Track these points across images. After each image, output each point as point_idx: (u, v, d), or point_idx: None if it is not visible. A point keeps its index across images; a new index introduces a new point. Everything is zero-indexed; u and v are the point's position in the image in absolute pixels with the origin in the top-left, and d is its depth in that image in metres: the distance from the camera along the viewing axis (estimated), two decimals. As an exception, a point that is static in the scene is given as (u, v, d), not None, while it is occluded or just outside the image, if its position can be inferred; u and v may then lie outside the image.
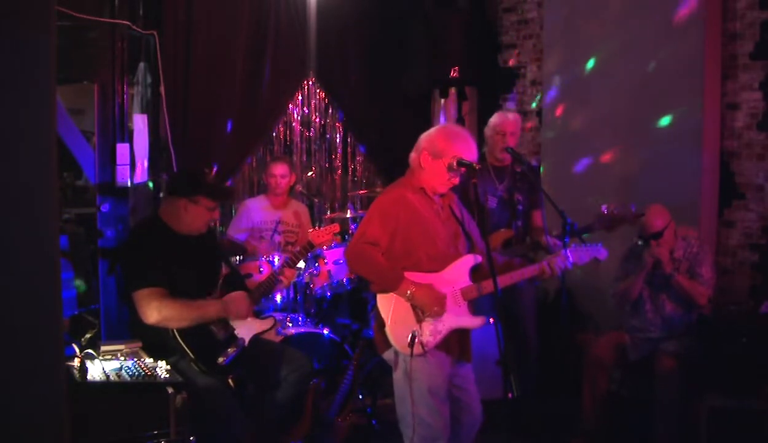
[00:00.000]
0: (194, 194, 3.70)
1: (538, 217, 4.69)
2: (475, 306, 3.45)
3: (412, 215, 3.33)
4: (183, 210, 3.71)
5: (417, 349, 3.23)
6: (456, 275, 3.38)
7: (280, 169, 5.24)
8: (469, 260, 3.41)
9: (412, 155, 3.44)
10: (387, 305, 3.34)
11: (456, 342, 3.39)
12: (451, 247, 3.43)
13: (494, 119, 4.67)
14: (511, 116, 4.69)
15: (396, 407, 3.42)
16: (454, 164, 3.31)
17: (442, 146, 3.33)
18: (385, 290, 3.33)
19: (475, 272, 3.42)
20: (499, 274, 3.29)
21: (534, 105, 6.32)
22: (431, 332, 3.29)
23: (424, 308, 3.29)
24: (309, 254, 4.45)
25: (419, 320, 3.30)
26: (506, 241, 4.59)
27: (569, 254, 3.52)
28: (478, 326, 3.41)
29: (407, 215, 3.32)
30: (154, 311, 3.48)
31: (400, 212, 3.32)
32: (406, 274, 3.30)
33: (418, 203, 3.37)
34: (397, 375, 3.37)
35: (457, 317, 3.35)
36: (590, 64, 5.67)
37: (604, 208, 4.33)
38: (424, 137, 3.43)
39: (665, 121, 5.21)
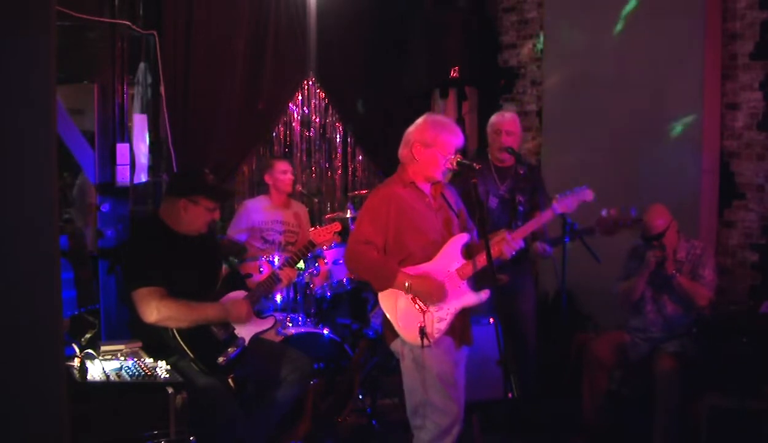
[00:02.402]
0: (194, 194, 3.70)
1: (539, 220, 4.68)
2: (474, 284, 3.46)
3: (401, 210, 3.38)
4: (183, 210, 3.72)
5: (428, 341, 3.26)
6: (448, 257, 3.41)
7: (284, 165, 5.28)
8: (459, 240, 3.44)
9: (402, 150, 3.49)
10: (391, 303, 3.37)
11: (458, 325, 3.41)
12: (445, 236, 3.46)
13: (492, 118, 4.69)
14: (508, 115, 4.69)
15: (406, 398, 3.43)
16: (454, 164, 3.35)
17: (432, 135, 3.40)
18: (384, 287, 3.36)
19: (469, 251, 3.45)
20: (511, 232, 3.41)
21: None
22: (437, 319, 3.32)
23: (424, 298, 3.32)
24: (309, 254, 4.45)
25: (423, 312, 3.31)
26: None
27: (556, 207, 3.57)
28: (481, 301, 3.41)
29: (396, 210, 3.37)
30: (154, 310, 3.49)
31: (390, 208, 3.37)
32: (404, 269, 3.34)
33: (408, 197, 3.42)
34: (406, 365, 3.38)
35: (459, 298, 3.38)
36: (590, 64, 5.67)
37: (603, 212, 4.33)
38: (412, 129, 3.49)
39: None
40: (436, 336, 3.31)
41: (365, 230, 3.38)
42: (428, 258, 3.39)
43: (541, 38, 6.14)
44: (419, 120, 3.52)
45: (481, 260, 3.34)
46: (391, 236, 3.37)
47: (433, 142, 3.38)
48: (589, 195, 3.61)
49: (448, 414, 3.32)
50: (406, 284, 3.30)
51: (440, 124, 3.46)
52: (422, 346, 3.26)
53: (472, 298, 3.41)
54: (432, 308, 3.32)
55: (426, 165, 3.41)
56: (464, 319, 3.46)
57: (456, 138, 3.42)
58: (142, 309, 3.51)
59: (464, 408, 3.47)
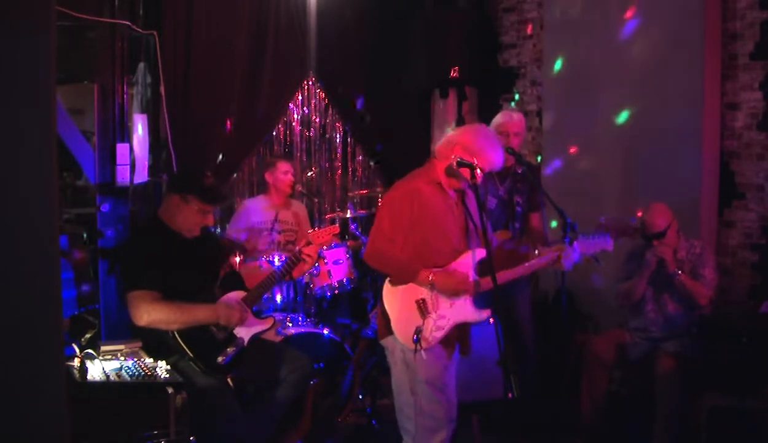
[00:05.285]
0: (186, 192, 3.67)
1: (537, 219, 4.67)
2: (478, 302, 3.45)
3: (423, 208, 3.33)
4: (176, 208, 3.70)
5: (422, 345, 3.25)
6: (464, 268, 3.38)
7: (286, 166, 5.30)
8: (477, 254, 3.40)
9: (441, 147, 3.42)
10: (393, 299, 3.35)
11: (455, 337, 3.39)
12: (462, 242, 3.43)
13: (498, 119, 4.65)
14: (516, 117, 4.67)
15: (394, 397, 3.43)
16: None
17: (479, 145, 3.35)
18: (405, 282, 3.33)
19: (481, 267, 3.42)
20: (510, 266, 3.35)
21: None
22: (436, 327, 3.30)
23: (449, 292, 3.30)
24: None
25: (423, 317, 3.30)
26: (504, 242, 4.59)
27: (577, 247, 3.53)
28: (482, 319, 3.41)
29: (419, 207, 3.32)
30: (144, 313, 3.50)
31: (413, 204, 3.32)
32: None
33: (432, 196, 3.36)
34: (396, 365, 3.38)
35: (461, 312, 3.36)
36: (590, 64, 5.67)
37: (602, 219, 4.33)
38: (458, 132, 3.46)
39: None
40: (431, 343, 3.29)
41: (385, 227, 3.33)
42: (443, 263, 3.36)
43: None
44: (469, 125, 3.52)
45: (486, 283, 3.32)
46: (411, 233, 3.32)
47: (477, 152, 3.33)
48: (610, 245, 3.60)
49: (434, 417, 3.31)
50: (430, 278, 3.27)
51: (490, 138, 3.42)
52: (415, 350, 3.25)
53: (473, 314, 3.39)
54: (433, 316, 3.30)
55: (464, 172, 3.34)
56: (462, 331, 3.43)
57: (498, 159, 3.39)
58: (132, 312, 3.52)
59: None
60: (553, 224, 4.33)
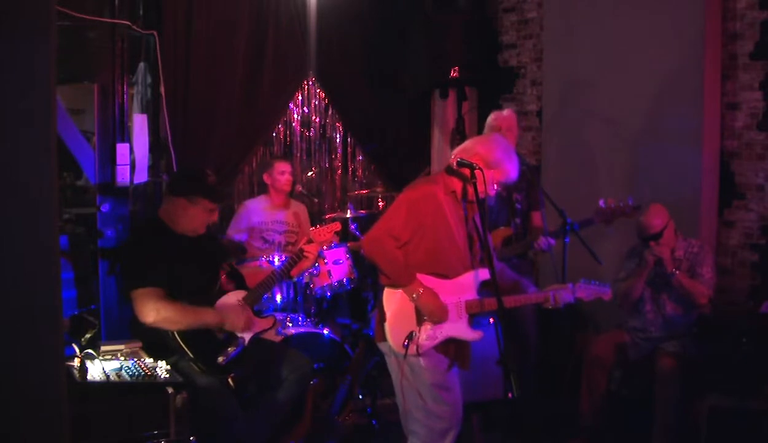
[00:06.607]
0: (193, 194, 3.70)
1: (538, 217, 4.69)
2: (475, 322, 3.46)
3: (438, 216, 3.31)
4: (181, 210, 3.72)
5: (411, 350, 3.25)
6: (465, 286, 3.38)
7: (283, 166, 5.29)
8: (480, 274, 3.40)
9: (459, 156, 3.39)
10: (391, 300, 3.34)
11: (453, 349, 3.39)
12: (467, 256, 3.42)
13: (490, 117, 4.70)
14: (505, 112, 4.73)
15: (397, 402, 3.43)
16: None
17: (498, 158, 3.35)
18: (394, 286, 3.32)
19: (484, 287, 3.42)
20: (505, 295, 3.31)
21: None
22: (428, 336, 3.30)
23: (426, 313, 3.30)
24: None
25: (419, 323, 3.30)
26: (506, 239, 4.60)
27: (576, 290, 3.54)
28: (474, 339, 3.42)
29: (434, 214, 3.31)
30: (152, 311, 3.49)
31: (428, 209, 3.31)
32: (418, 276, 3.29)
33: (446, 205, 3.35)
34: (398, 370, 3.36)
35: (456, 327, 3.35)
36: (590, 64, 5.67)
37: (601, 202, 4.34)
38: (477, 142, 3.44)
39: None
40: (422, 349, 3.28)
41: (397, 223, 3.29)
42: (447, 273, 3.36)
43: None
44: (489, 137, 3.49)
45: (490, 304, 3.33)
46: (422, 238, 3.30)
47: (495, 165, 3.34)
48: (607, 295, 3.61)
49: (444, 418, 3.31)
50: (415, 294, 3.27)
51: (508, 152, 3.43)
52: (405, 355, 3.25)
53: (466, 333, 3.39)
54: (429, 324, 3.30)
55: (478, 182, 3.32)
56: (462, 345, 3.42)
57: (514, 172, 3.40)
58: (140, 309, 3.51)
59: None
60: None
